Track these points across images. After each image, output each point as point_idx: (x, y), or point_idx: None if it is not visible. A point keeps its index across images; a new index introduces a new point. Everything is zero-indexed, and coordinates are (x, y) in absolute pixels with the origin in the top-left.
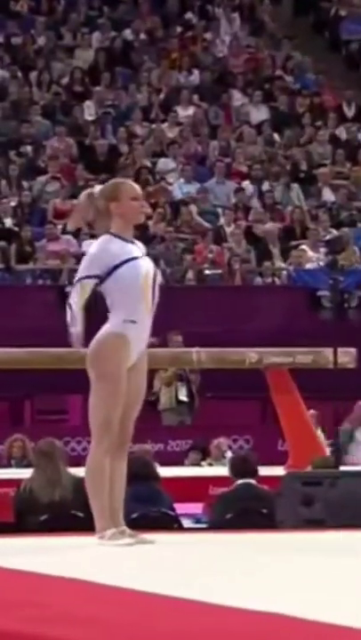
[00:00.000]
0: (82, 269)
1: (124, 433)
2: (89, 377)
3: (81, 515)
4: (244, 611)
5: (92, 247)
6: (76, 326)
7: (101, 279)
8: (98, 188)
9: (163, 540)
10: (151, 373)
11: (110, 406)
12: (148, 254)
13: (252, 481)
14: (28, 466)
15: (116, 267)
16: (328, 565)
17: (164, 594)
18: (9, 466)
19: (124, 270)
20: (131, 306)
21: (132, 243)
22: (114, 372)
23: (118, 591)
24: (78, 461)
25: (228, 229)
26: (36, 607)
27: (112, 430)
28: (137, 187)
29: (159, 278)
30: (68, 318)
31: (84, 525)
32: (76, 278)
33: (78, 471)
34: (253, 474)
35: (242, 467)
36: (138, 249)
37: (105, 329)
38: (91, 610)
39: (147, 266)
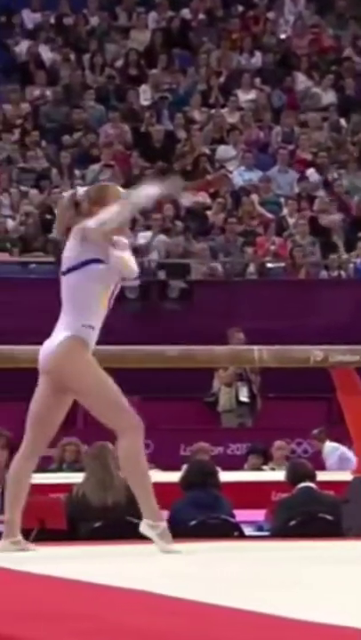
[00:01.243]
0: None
1: (40, 441)
2: (52, 379)
3: (136, 521)
4: (315, 624)
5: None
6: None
7: (69, 269)
8: (81, 190)
9: (223, 549)
10: (210, 373)
11: (108, 395)
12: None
13: (312, 485)
14: (80, 470)
15: (90, 261)
16: None
17: (225, 605)
18: (60, 470)
19: (94, 267)
20: (92, 309)
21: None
22: (92, 369)
23: (176, 602)
24: None
25: (292, 220)
26: (91, 620)
27: (128, 410)
28: (123, 191)
29: (119, 285)
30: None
31: (139, 533)
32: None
33: None
34: (312, 478)
35: (300, 471)
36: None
37: (63, 332)
38: (148, 622)
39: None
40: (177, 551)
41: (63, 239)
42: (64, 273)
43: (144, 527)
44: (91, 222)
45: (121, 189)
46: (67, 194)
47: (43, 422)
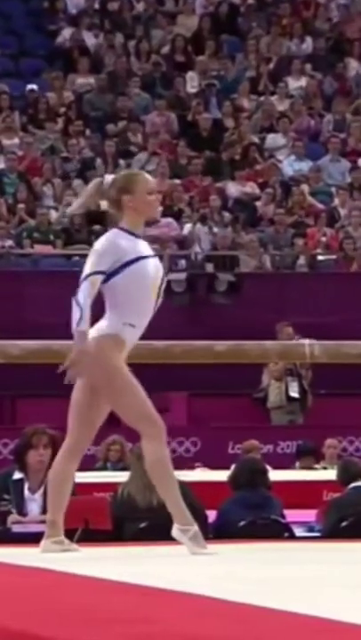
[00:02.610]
0: (89, 265)
1: (83, 440)
2: (84, 374)
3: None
4: None
5: (98, 242)
6: (83, 325)
7: (108, 275)
8: (109, 177)
9: (273, 550)
10: (258, 368)
11: (137, 399)
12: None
13: None
14: (124, 469)
15: (127, 264)
16: None
17: (277, 608)
18: (104, 469)
19: (133, 268)
20: (134, 308)
21: (140, 238)
22: (121, 370)
23: (228, 605)
24: (179, 464)
25: (343, 211)
26: (143, 623)
27: (154, 418)
28: (152, 180)
29: (165, 280)
30: (76, 316)
31: None
32: (84, 274)
33: (179, 474)
34: None
35: (351, 470)
36: (146, 246)
37: (101, 329)
38: (201, 626)
39: (157, 266)
40: (210, 553)
41: (73, 217)
42: (104, 281)
43: (176, 532)
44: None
45: (152, 179)
46: (94, 180)
47: (84, 421)
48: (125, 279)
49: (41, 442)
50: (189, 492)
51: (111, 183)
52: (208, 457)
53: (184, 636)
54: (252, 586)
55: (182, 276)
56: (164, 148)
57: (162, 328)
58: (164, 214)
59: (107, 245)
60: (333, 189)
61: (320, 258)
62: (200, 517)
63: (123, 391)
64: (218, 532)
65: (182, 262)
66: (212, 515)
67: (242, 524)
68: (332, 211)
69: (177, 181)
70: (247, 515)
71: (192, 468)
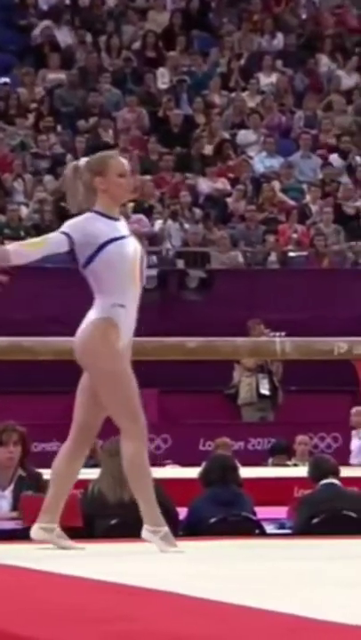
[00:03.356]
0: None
1: (91, 432)
2: (83, 368)
3: None
4: (340, 625)
5: (70, 222)
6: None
7: (86, 261)
8: (83, 160)
9: (244, 547)
10: (230, 364)
11: (126, 395)
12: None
13: (336, 481)
14: (94, 465)
15: (103, 245)
16: None
17: (258, 607)
18: None
19: (111, 249)
20: (119, 288)
21: (118, 220)
22: (113, 357)
23: (207, 604)
24: (151, 460)
25: (315, 207)
26: (123, 622)
27: (137, 416)
28: (125, 162)
29: (145, 260)
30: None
31: None
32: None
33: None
34: (336, 473)
35: (322, 466)
36: (124, 227)
37: (92, 315)
38: (182, 625)
39: (134, 245)
40: (180, 551)
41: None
42: (84, 266)
43: (146, 533)
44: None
45: (124, 161)
46: (68, 166)
47: (84, 419)
48: (104, 262)
49: (11, 439)
50: (161, 489)
51: (85, 166)
52: (179, 454)
53: (165, 634)
54: (226, 584)
55: (153, 272)
56: (134, 145)
57: (141, 326)
58: (135, 211)
59: (77, 221)
60: (305, 186)
61: (291, 254)
62: (170, 515)
63: (112, 379)
64: (189, 530)
65: (153, 259)
66: (182, 512)
67: (212, 520)
68: (303, 207)
69: (148, 177)
70: (218, 512)
71: (162, 465)
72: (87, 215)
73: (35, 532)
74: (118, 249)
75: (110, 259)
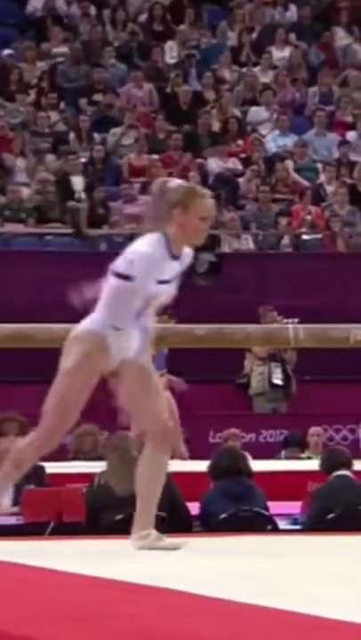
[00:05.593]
0: (139, 270)
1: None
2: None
3: (162, 514)
4: (355, 624)
5: (143, 244)
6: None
7: (121, 277)
8: (174, 182)
9: (256, 543)
10: (241, 353)
11: (64, 395)
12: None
13: (348, 473)
14: (97, 459)
15: (145, 280)
16: None
17: (265, 605)
18: (76, 459)
19: (147, 288)
20: (122, 318)
21: (177, 259)
22: (79, 356)
23: (212, 602)
24: None
25: (330, 188)
26: (124, 619)
27: (59, 427)
28: (211, 207)
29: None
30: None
31: (168, 526)
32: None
33: None
34: (348, 465)
35: (334, 458)
36: (175, 268)
37: (85, 325)
38: (184, 623)
39: (168, 292)
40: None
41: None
42: (113, 272)
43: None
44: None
45: (211, 205)
46: (157, 181)
47: (144, 407)
48: (130, 293)
49: (12, 429)
50: (172, 484)
51: (173, 188)
52: (188, 446)
53: (166, 632)
54: (234, 581)
55: None
56: (141, 122)
57: None
58: (143, 192)
59: (151, 251)
60: (319, 165)
61: (305, 237)
62: (181, 511)
63: (64, 377)
64: (202, 525)
65: None
66: (192, 506)
67: (223, 516)
68: (317, 188)
69: (155, 157)
70: (229, 506)
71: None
72: (158, 238)
73: (132, 545)
74: (152, 293)
75: (134, 296)
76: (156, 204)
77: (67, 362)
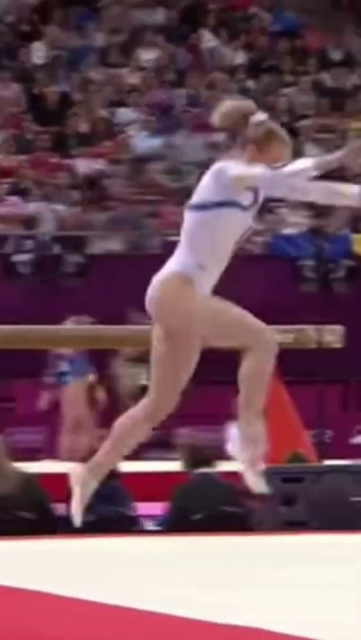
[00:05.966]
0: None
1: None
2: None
3: (29, 516)
4: (222, 626)
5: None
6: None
7: (206, 206)
8: (262, 116)
9: (122, 546)
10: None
11: (181, 369)
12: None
13: (210, 471)
14: None
15: (228, 203)
16: (314, 575)
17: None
18: None
19: (230, 213)
20: (210, 252)
21: None
22: (186, 307)
23: (70, 602)
24: (27, 455)
25: None
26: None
27: (177, 387)
28: (288, 154)
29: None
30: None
31: (34, 528)
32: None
33: (26, 466)
34: (209, 463)
35: (193, 454)
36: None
37: (171, 268)
38: (49, 625)
39: (251, 220)
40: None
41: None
42: (191, 208)
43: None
44: (233, 171)
45: (286, 153)
46: (242, 107)
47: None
48: (218, 220)
49: None
50: (38, 485)
51: (256, 123)
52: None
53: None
54: (118, 583)
55: (29, 257)
56: (8, 123)
57: (8, 310)
58: (11, 192)
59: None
60: (187, 167)
61: (173, 239)
62: (47, 512)
63: (176, 357)
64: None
65: (28, 243)
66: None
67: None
68: (185, 189)
69: (24, 157)
70: (96, 507)
71: (38, 460)
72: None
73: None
74: (234, 215)
75: (224, 222)
76: (236, 131)
77: (171, 323)
